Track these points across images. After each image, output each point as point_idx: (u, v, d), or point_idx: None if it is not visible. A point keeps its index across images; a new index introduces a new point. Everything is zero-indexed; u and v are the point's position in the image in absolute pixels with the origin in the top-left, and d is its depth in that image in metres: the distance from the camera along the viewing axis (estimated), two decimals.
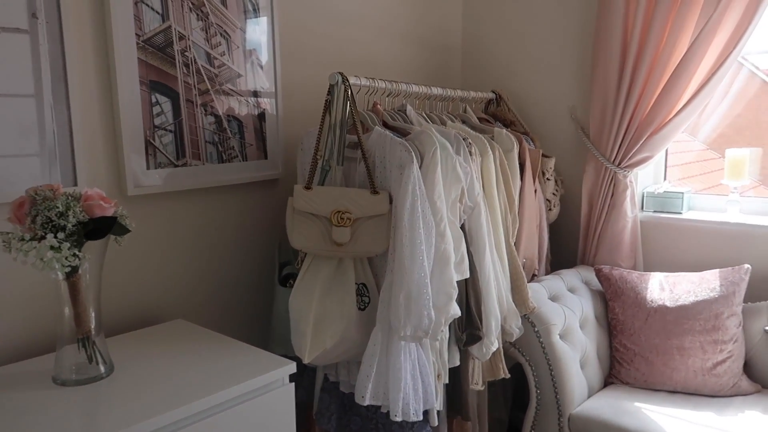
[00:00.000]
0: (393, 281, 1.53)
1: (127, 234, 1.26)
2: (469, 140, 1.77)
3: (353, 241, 1.56)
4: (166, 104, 1.64)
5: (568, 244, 2.46)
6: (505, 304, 1.84)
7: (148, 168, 1.62)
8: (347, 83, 1.62)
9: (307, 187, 1.59)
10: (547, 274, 2.27)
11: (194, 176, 1.73)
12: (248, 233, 1.91)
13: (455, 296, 1.59)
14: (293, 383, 1.38)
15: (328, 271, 1.60)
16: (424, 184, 1.56)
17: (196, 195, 1.76)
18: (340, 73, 1.61)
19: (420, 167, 1.57)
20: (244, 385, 1.28)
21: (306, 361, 1.53)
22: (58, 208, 1.13)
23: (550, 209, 2.33)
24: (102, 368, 1.29)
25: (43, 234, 1.12)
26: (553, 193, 2.36)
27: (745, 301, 2.00)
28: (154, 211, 1.67)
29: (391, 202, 1.58)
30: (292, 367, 1.37)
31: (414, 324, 1.50)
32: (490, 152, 1.86)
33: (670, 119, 2.12)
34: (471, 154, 1.75)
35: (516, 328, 1.86)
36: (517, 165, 2.03)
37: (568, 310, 1.98)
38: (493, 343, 1.77)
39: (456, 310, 1.60)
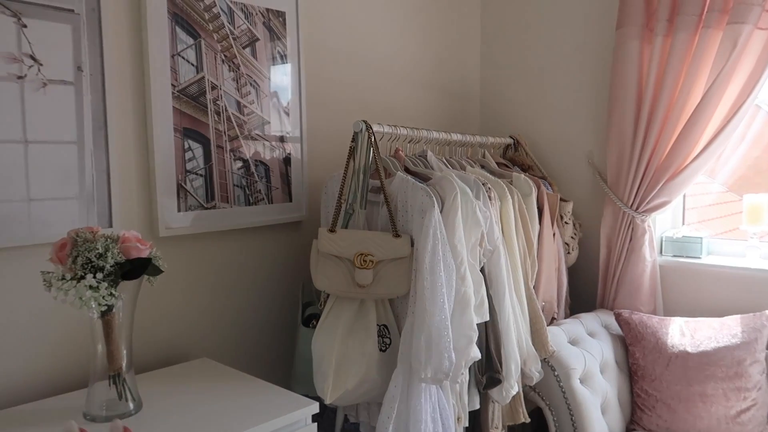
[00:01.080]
0: (414, 323, 1.56)
1: (159, 274, 1.31)
2: (489, 185, 1.82)
3: (375, 283, 1.60)
4: (198, 150, 1.72)
5: (587, 288, 2.47)
6: (524, 347, 1.85)
7: (179, 210, 1.68)
8: (371, 130, 1.68)
9: (332, 230, 1.64)
10: (566, 317, 2.27)
11: (222, 218, 1.79)
12: (273, 274, 1.96)
13: (475, 339, 1.61)
14: (316, 423, 1.40)
15: (350, 312, 1.64)
16: (444, 228, 1.60)
17: (223, 236, 1.82)
18: (364, 121, 1.68)
19: (441, 212, 1.62)
20: (268, 425, 1.31)
21: (328, 401, 1.55)
22: (97, 249, 1.19)
23: (568, 253, 2.35)
24: (131, 405, 1.33)
25: (83, 274, 1.18)
26: (572, 237, 2.38)
27: None
28: (184, 251, 1.73)
29: (412, 245, 1.62)
30: (314, 408, 1.39)
31: (434, 366, 1.52)
32: (509, 197, 1.90)
33: (687, 164, 2.16)
34: (490, 199, 1.79)
35: (536, 372, 1.87)
36: (536, 209, 2.07)
37: (588, 354, 1.98)
38: (513, 386, 1.77)
39: (476, 353, 1.62)
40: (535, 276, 2.01)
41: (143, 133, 1.63)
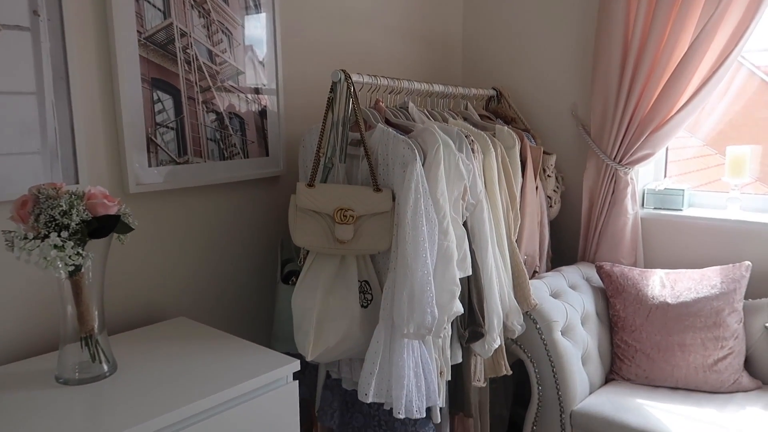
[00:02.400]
0: (396, 279, 1.53)
1: (129, 232, 1.25)
2: (472, 137, 1.77)
3: (356, 239, 1.56)
4: (168, 101, 1.64)
5: (568, 241, 2.47)
6: (507, 301, 1.84)
7: (149, 165, 1.61)
8: (350, 80, 1.61)
9: (310, 185, 1.59)
10: (547, 271, 2.27)
11: (196, 174, 1.72)
12: (250, 230, 1.91)
13: (458, 294, 1.59)
14: (297, 381, 1.38)
15: (330, 268, 1.60)
16: (427, 181, 1.55)
17: (197, 192, 1.76)
18: (342, 70, 1.61)
19: (423, 165, 1.57)
20: (248, 384, 1.28)
21: (309, 359, 1.53)
22: (61, 206, 1.13)
23: (551, 206, 2.33)
24: (105, 367, 1.29)
25: (47, 233, 1.12)
26: (554, 190, 2.36)
27: (746, 297, 2.01)
28: (156, 208, 1.67)
29: (393, 199, 1.57)
30: (295, 365, 1.36)
31: (417, 322, 1.50)
32: (492, 149, 1.86)
33: (671, 117, 2.13)
34: (473, 152, 1.75)
35: (518, 325, 1.87)
36: (519, 162, 2.03)
37: (569, 306, 1.99)
38: (495, 340, 1.77)
39: (459, 308, 1.60)
40: (517, 229, 1.99)
41: (108, 84, 1.54)
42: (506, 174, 1.95)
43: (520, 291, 1.90)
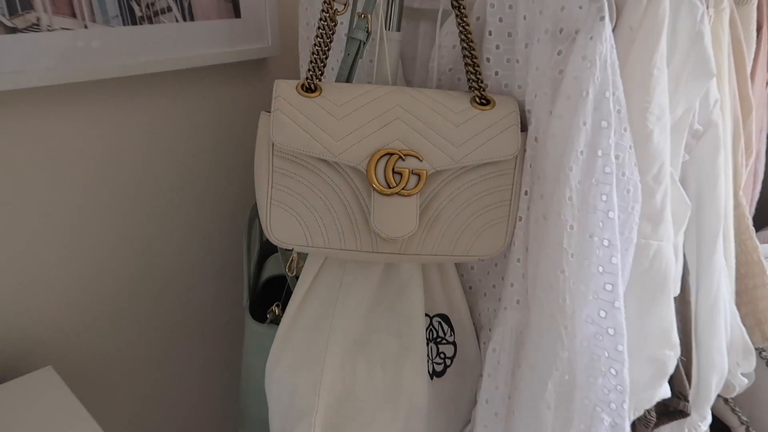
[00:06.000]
0: (529, 326, 0.59)
1: None
2: None
3: (426, 229, 0.61)
4: None
5: None
6: (728, 332, 0.89)
7: None
8: None
9: (309, 87, 0.62)
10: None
11: (61, 52, 0.76)
12: (193, 182, 0.97)
13: (673, 364, 0.65)
14: None
15: (363, 291, 0.67)
16: (621, 79, 0.57)
17: (74, 94, 0.81)
18: None
19: (613, 28, 0.58)
20: None
21: None
22: None
23: None
24: None
25: None
26: None
27: None
28: None
29: (524, 128, 0.60)
30: None
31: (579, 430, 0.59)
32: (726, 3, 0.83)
33: None
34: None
35: (740, 378, 0.93)
36: (755, 32, 1.00)
37: None
38: (704, 418, 0.85)
39: (664, 392, 0.67)
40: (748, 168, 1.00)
41: None
42: (738, 60, 0.92)
43: (751, 306, 0.94)
